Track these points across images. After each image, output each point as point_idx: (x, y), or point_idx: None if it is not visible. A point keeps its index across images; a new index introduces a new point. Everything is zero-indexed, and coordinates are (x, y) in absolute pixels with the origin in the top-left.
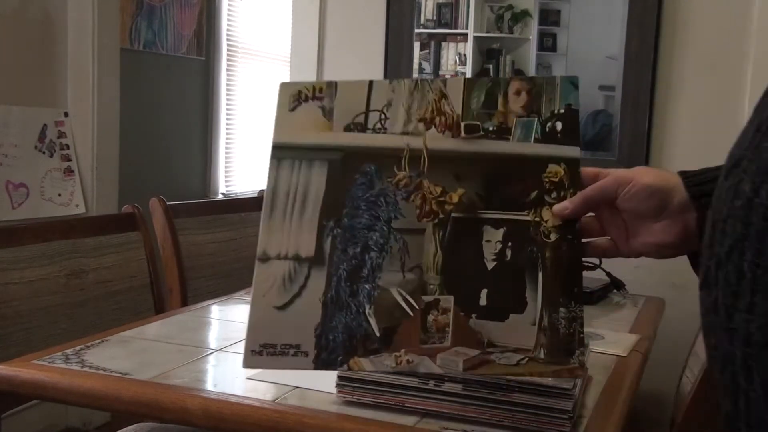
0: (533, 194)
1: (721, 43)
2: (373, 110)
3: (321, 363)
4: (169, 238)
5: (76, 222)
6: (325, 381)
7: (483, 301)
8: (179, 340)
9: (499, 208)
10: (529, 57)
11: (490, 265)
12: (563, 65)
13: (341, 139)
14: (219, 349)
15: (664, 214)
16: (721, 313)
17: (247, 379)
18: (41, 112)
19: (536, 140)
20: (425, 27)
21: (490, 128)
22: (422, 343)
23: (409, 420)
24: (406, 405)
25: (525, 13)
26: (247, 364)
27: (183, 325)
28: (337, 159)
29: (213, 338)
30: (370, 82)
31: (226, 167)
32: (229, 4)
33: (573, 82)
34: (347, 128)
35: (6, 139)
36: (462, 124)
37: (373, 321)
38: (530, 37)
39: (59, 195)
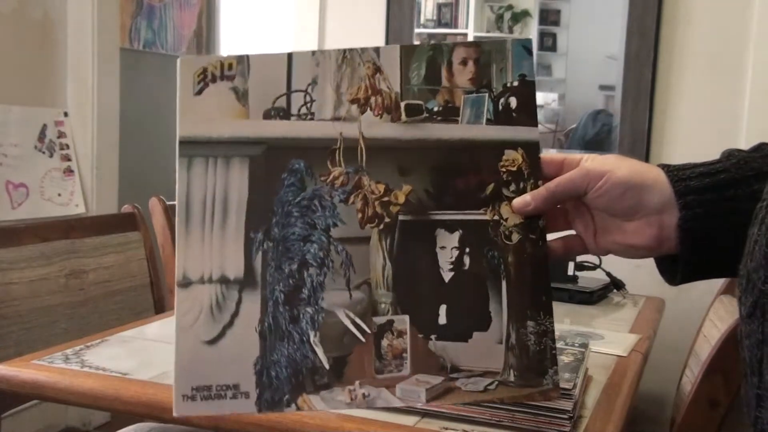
0: (490, 188)
1: (721, 43)
2: (296, 90)
3: (265, 405)
4: (169, 238)
5: (76, 222)
6: None
7: (443, 320)
8: None
9: (453, 206)
10: None
11: (447, 276)
12: (563, 65)
13: (261, 129)
14: None
15: (639, 214)
16: None
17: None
18: (41, 112)
19: (488, 121)
20: (425, 27)
21: (435, 109)
22: (378, 373)
23: (409, 420)
24: (406, 405)
25: (525, 13)
26: (179, 411)
27: None
28: (258, 154)
29: None
30: (289, 55)
31: None
32: (229, 4)
33: (526, 46)
34: (267, 115)
35: (6, 139)
36: (402, 105)
37: (320, 350)
38: (530, 37)
39: (59, 195)
